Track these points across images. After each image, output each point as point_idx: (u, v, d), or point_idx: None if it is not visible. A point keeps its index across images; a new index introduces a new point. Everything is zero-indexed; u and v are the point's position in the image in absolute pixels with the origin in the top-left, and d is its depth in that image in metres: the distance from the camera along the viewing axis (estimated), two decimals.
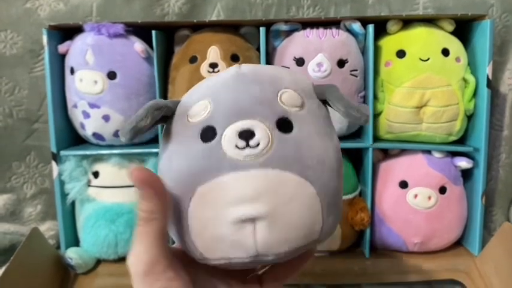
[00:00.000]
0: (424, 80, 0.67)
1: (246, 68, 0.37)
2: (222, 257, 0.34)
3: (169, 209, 0.34)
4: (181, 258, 0.36)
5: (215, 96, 0.35)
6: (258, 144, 0.32)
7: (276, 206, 0.32)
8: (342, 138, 0.72)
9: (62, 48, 0.70)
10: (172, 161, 0.35)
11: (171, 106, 0.37)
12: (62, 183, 0.71)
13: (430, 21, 0.71)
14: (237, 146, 0.33)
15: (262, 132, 0.33)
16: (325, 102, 0.38)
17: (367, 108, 0.35)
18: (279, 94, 0.35)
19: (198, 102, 0.36)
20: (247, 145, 0.32)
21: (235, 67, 0.37)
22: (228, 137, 0.33)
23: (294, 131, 0.34)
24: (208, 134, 0.34)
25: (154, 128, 0.38)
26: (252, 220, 0.32)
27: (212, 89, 0.36)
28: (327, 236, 0.36)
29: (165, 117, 0.37)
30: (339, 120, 0.67)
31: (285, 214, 0.33)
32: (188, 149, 0.34)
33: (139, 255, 0.32)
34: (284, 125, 0.34)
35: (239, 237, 0.33)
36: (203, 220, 0.33)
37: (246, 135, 0.33)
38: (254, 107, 0.34)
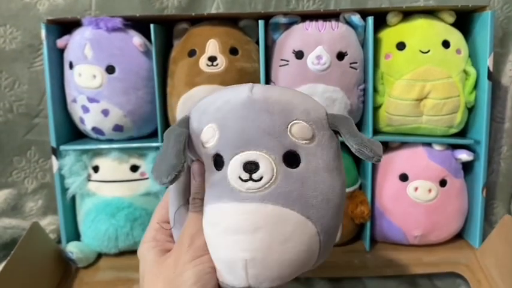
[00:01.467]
0: (424, 72, 0.66)
1: (258, 92, 0.35)
2: (220, 279, 0.35)
3: None
4: None
5: (223, 122, 0.34)
6: (261, 178, 0.33)
7: (271, 244, 0.32)
8: None
9: (60, 42, 0.70)
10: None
11: (185, 129, 0.37)
12: (62, 178, 0.71)
13: (430, 12, 0.70)
14: (240, 178, 0.33)
15: (267, 166, 0.33)
16: (337, 132, 0.37)
17: (380, 147, 0.35)
18: (289, 126, 0.34)
19: (207, 126, 0.35)
20: (251, 178, 0.33)
21: (247, 89, 0.36)
22: (232, 168, 0.33)
23: (301, 166, 0.34)
24: (218, 161, 0.34)
25: None
26: (246, 254, 0.33)
27: (221, 112, 0.35)
28: (317, 265, 0.37)
29: None
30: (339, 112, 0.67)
31: (280, 252, 0.33)
32: (207, 175, 0.36)
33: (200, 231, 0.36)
34: (291, 158, 0.34)
35: (233, 267, 0.33)
36: (206, 237, 0.35)
37: (250, 167, 0.33)
38: (261, 137, 0.33)
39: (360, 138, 0.35)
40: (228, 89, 0.38)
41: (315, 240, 0.33)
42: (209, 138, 0.35)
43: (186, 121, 0.37)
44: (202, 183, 0.37)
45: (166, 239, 0.41)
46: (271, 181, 0.33)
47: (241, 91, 0.36)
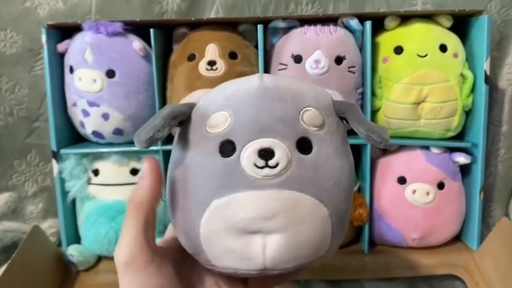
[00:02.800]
0: (422, 76, 0.67)
1: (268, 80, 0.36)
2: (230, 266, 0.34)
3: (157, 204, 0.35)
4: (172, 255, 0.37)
5: (236, 109, 0.34)
6: (277, 165, 0.32)
7: (288, 226, 0.33)
8: None
9: (61, 47, 0.70)
10: (190, 171, 0.35)
11: (187, 111, 0.36)
12: (62, 181, 0.72)
13: (427, 17, 0.71)
14: (255, 165, 0.32)
15: (282, 152, 0.33)
16: (343, 118, 0.37)
17: (387, 133, 0.35)
18: (301, 113, 0.35)
19: (217, 112, 0.35)
20: (266, 165, 0.32)
21: (257, 78, 0.36)
22: (247, 155, 0.33)
23: (313, 152, 0.34)
24: (227, 148, 0.34)
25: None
26: (263, 235, 0.33)
27: (233, 100, 0.35)
28: (332, 253, 0.36)
29: (180, 122, 0.37)
30: None
31: (297, 234, 0.33)
32: (206, 162, 0.34)
33: (122, 247, 0.33)
34: (304, 145, 0.34)
35: (249, 251, 0.33)
36: (216, 231, 0.33)
37: (266, 154, 0.33)
38: (276, 125, 0.33)
39: (367, 124, 0.35)
40: (237, 80, 0.38)
41: (327, 222, 0.34)
42: (219, 123, 0.34)
43: (190, 106, 0.37)
44: (153, 185, 0.35)
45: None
46: (286, 167, 0.33)
47: (252, 80, 0.36)
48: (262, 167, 0.32)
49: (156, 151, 0.70)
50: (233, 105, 0.35)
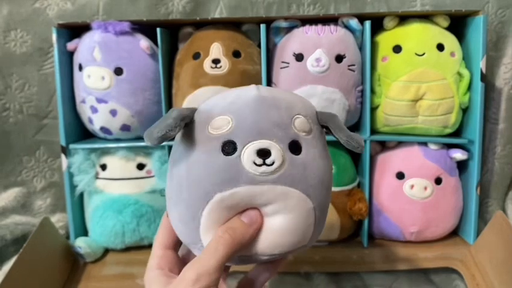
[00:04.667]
0: (420, 74, 0.69)
1: (264, 90, 0.40)
2: None
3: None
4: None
5: (237, 114, 0.39)
6: (272, 163, 0.37)
7: (279, 213, 0.38)
8: None
9: (70, 45, 0.72)
10: (195, 167, 0.39)
11: (190, 114, 0.40)
12: (71, 176, 0.74)
13: (425, 17, 0.72)
14: (254, 163, 0.37)
15: (277, 153, 0.37)
16: (323, 127, 0.42)
17: (362, 139, 0.41)
18: (292, 119, 0.39)
19: (220, 116, 0.39)
20: (264, 163, 0.37)
21: (255, 88, 0.40)
22: (247, 154, 0.37)
23: (302, 153, 0.39)
24: (229, 147, 0.38)
25: None
26: None
27: (235, 106, 0.39)
28: (312, 243, 0.42)
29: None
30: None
31: (285, 221, 0.38)
32: (210, 159, 0.38)
33: (203, 276, 0.35)
34: (295, 147, 0.39)
35: None
36: (214, 220, 0.38)
37: (263, 154, 0.37)
38: (272, 129, 0.38)
39: (347, 131, 0.41)
40: (236, 89, 0.42)
41: (311, 214, 0.39)
42: (221, 125, 0.38)
43: (192, 110, 0.41)
44: (253, 234, 0.38)
45: (171, 266, 0.41)
46: (280, 166, 0.37)
47: (250, 90, 0.40)
48: (260, 165, 0.37)
49: (163, 147, 0.73)
50: (234, 111, 0.39)
